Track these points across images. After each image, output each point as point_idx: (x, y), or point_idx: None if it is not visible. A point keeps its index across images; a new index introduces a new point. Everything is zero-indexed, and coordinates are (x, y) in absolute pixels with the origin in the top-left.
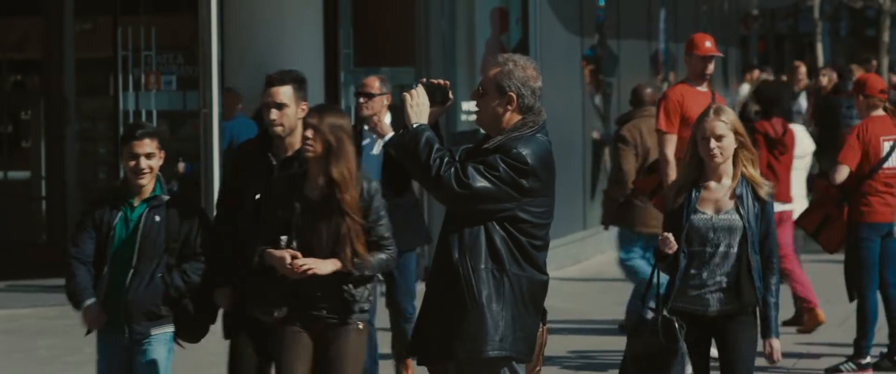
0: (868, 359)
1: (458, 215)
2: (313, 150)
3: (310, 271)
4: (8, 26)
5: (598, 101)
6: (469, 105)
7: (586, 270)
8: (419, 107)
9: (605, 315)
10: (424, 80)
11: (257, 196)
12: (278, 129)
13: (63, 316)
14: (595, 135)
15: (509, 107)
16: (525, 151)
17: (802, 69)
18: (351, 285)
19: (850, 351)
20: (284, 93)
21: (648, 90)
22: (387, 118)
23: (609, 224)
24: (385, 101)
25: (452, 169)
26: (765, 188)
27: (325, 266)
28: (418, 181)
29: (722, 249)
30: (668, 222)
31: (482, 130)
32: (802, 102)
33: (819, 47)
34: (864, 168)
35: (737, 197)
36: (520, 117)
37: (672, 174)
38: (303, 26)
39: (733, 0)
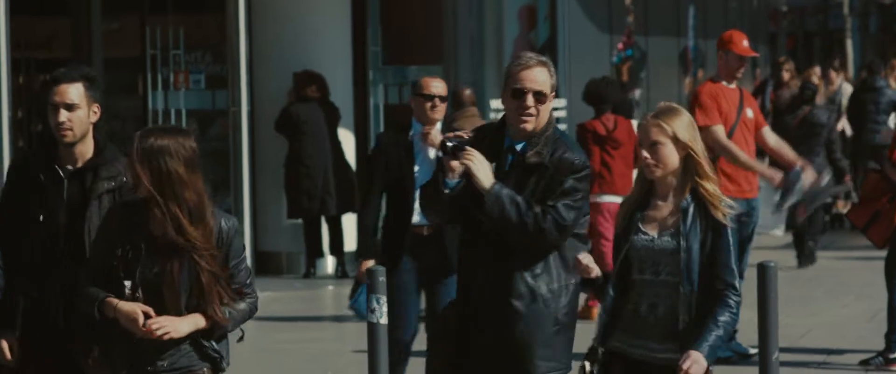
0: None
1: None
2: (142, 187)
3: (166, 336)
4: (35, 26)
5: (638, 97)
6: (498, 103)
7: None
8: (483, 167)
9: None
10: (449, 143)
11: (41, 217)
12: (68, 134)
13: None
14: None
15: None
16: (579, 157)
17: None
18: (213, 342)
19: (879, 346)
20: (75, 92)
21: (467, 92)
22: (438, 126)
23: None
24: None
25: (549, 217)
26: (720, 209)
27: (185, 326)
28: (516, 238)
29: (664, 277)
30: (615, 244)
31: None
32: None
33: (849, 44)
34: None
35: (681, 215)
36: None
37: (742, 156)
38: (331, 24)
39: None
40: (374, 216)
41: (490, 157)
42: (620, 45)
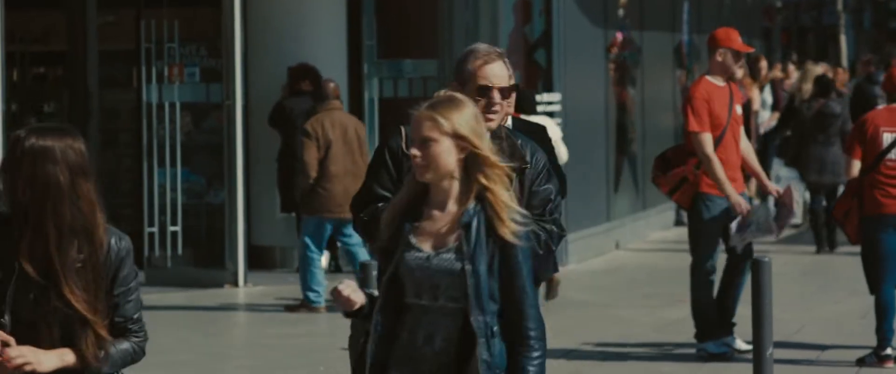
0: (889, 351)
1: None
2: (16, 199)
3: (26, 367)
4: (31, 19)
5: (634, 94)
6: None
7: (610, 262)
8: None
9: (630, 307)
10: None
11: None
12: None
13: None
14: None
15: None
16: (542, 152)
17: (764, 63)
18: None
19: (872, 342)
20: None
21: (332, 85)
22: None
23: (297, 212)
24: None
25: (548, 232)
26: (508, 225)
27: (49, 360)
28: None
29: (442, 302)
30: (381, 258)
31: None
32: (768, 96)
33: (842, 40)
34: (867, 161)
35: (463, 229)
36: None
37: (720, 171)
38: (326, 18)
39: None
40: None
41: None
42: (615, 47)
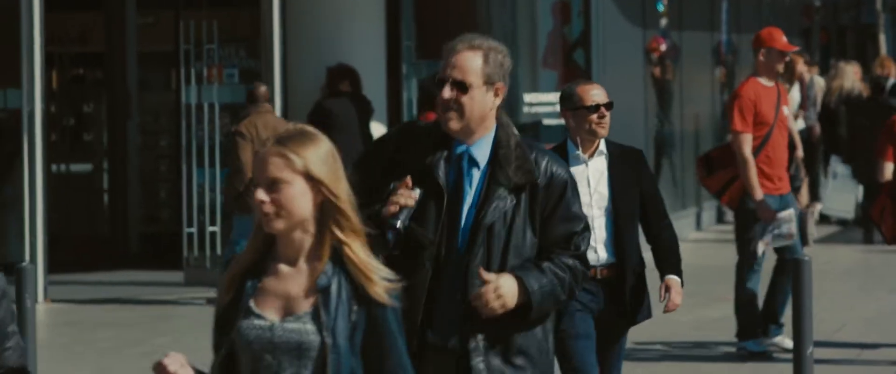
0: None
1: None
2: None
3: None
4: (70, 20)
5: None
6: (530, 97)
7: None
8: (507, 291)
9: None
10: (397, 221)
11: None
12: None
13: (124, 308)
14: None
15: (498, 100)
16: (565, 168)
17: (801, 65)
18: None
19: None
20: None
21: (263, 89)
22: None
23: (231, 211)
24: None
25: (571, 271)
26: (376, 283)
27: None
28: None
29: None
30: (218, 325)
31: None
32: (795, 93)
33: (882, 39)
34: None
35: (321, 293)
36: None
37: (753, 175)
38: (365, 18)
39: None
40: None
41: (428, 160)
42: (657, 51)
